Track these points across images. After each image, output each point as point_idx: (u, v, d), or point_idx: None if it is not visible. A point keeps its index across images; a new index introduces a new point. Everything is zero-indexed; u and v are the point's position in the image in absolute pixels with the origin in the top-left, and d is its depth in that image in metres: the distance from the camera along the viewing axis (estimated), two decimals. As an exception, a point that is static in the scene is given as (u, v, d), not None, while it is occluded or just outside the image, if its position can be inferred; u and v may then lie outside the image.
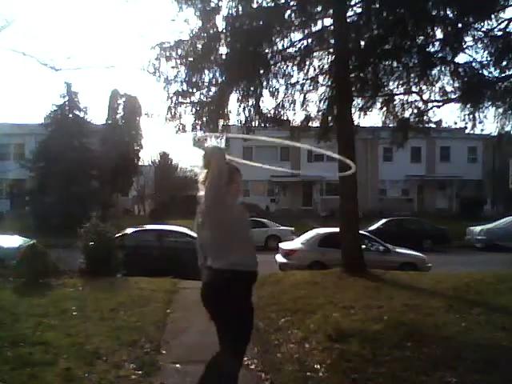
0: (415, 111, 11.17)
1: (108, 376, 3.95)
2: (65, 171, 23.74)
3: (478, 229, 19.76)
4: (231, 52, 9.74)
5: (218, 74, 10.13)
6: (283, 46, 10.36)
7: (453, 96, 10.71)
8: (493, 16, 9.38)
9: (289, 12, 9.69)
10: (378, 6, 9.49)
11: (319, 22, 10.36)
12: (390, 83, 10.62)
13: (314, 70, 10.96)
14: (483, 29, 9.73)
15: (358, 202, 10.06)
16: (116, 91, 32.20)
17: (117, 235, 10.35)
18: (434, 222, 22.36)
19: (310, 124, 11.63)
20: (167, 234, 12.03)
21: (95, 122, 29.07)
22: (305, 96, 11.25)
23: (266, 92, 10.63)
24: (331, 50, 10.48)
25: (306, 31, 10.35)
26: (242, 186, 3.25)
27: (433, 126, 11.82)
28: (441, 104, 11.16)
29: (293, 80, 10.89)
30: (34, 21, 44.85)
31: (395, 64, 9.98)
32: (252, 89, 10.22)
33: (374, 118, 72.89)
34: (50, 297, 7.06)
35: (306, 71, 10.83)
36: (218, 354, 2.94)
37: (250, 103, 10.47)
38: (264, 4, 9.88)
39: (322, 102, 11.18)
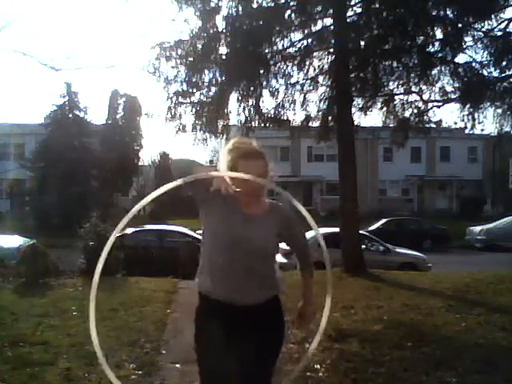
0: (415, 111, 11.16)
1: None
2: (65, 171, 23.73)
3: (477, 229, 19.75)
4: (231, 52, 9.75)
5: (217, 74, 10.13)
6: (283, 45, 10.37)
7: (453, 96, 10.71)
8: (493, 16, 9.39)
9: (289, 12, 9.69)
10: (377, 5, 9.51)
11: (319, 22, 10.38)
12: (390, 83, 10.63)
13: (314, 70, 10.96)
14: (483, 29, 9.73)
15: (358, 201, 10.07)
16: (116, 91, 32.19)
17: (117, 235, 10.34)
18: (434, 222, 22.36)
19: (310, 124, 11.62)
20: (167, 233, 12.05)
21: (95, 122, 29.07)
22: (305, 96, 11.26)
23: (266, 92, 10.66)
24: (331, 50, 10.48)
25: (306, 31, 10.36)
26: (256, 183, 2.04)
27: (433, 125, 11.82)
28: (441, 104, 11.16)
29: (293, 80, 10.91)
30: (34, 21, 44.87)
31: (395, 64, 9.98)
32: (252, 89, 10.22)
33: (374, 118, 73.05)
34: (50, 297, 7.06)
35: (306, 71, 10.84)
36: None
37: (250, 103, 10.47)
38: (264, 4, 9.89)
39: (322, 102, 11.19)
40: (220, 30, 9.65)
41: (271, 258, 2.19)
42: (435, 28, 9.49)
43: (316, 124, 11.69)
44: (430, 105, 11.19)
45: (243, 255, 2.05)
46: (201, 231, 2.23)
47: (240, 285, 2.06)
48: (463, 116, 10.76)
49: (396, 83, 10.62)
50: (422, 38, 9.66)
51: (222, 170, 2.17)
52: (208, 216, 2.16)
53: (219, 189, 2.00)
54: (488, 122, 16.80)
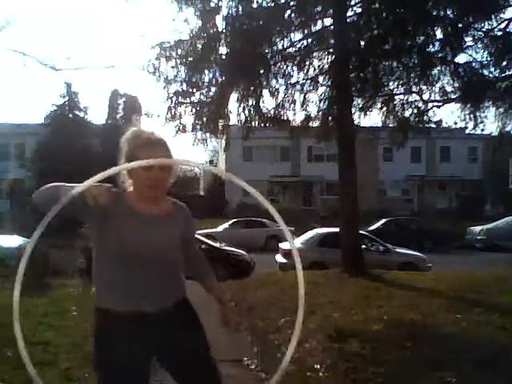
0: (415, 111, 11.16)
1: (108, 376, 3.94)
2: (65, 171, 23.73)
3: (477, 229, 19.74)
4: (231, 52, 9.74)
5: (217, 74, 10.13)
6: (283, 45, 10.36)
7: (453, 96, 10.71)
8: (493, 16, 9.38)
9: (289, 12, 9.69)
10: (377, 5, 9.50)
11: (319, 22, 10.37)
12: (390, 83, 10.62)
13: (314, 70, 10.96)
14: (483, 29, 9.72)
15: (358, 201, 10.06)
16: (116, 91, 32.20)
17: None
18: (434, 221, 22.34)
19: (310, 124, 11.63)
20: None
21: (95, 121, 29.10)
22: (305, 96, 11.25)
23: (266, 92, 10.65)
24: (331, 50, 10.48)
25: (306, 31, 10.35)
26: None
27: (433, 126, 11.82)
28: (441, 104, 11.15)
29: (293, 80, 10.90)
30: (34, 21, 44.88)
31: (395, 64, 9.97)
32: (252, 89, 10.21)
33: (374, 118, 73.07)
34: (50, 297, 7.06)
35: (306, 71, 10.83)
36: None
37: (250, 103, 10.46)
38: (264, 4, 9.89)
39: (322, 102, 11.18)
40: (220, 30, 9.64)
41: (177, 261, 2.03)
42: (435, 28, 9.47)
43: (316, 124, 11.69)
44: (430, 105, 11.19)
45: (147, 261, 1.89)
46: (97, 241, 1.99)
47: (146, 291, 1.90)
48: (464, 116, 10.77)
49: (396, 83, 10.62)
50: (422, 37, 9.63)
51: (121, 162, 1.94)
52: (99, 228, 1.94)
53: (103, 200, 1.73)
54: (488, 121, 16.80)
